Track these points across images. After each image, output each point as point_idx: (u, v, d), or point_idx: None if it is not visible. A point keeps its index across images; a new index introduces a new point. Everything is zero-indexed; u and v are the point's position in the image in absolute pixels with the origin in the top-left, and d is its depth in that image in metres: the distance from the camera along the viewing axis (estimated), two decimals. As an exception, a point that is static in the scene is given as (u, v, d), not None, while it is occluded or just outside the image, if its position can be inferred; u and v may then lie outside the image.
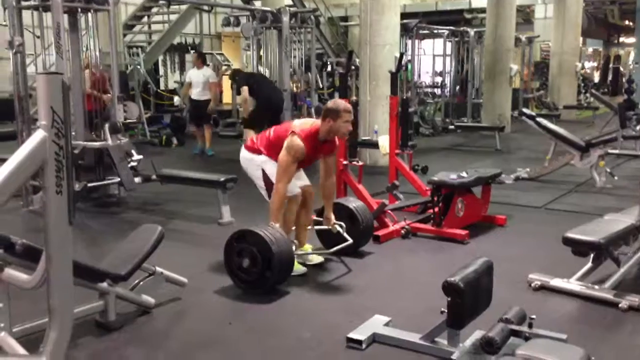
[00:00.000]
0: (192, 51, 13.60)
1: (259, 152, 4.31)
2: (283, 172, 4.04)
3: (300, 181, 4.38)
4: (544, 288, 3.91)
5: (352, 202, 4.76)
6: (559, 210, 6.14)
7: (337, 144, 4.42)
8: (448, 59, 13.78)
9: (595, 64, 22.43)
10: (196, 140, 10.03)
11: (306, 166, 4.41)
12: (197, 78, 9.79)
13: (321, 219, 4.51)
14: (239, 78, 8.85)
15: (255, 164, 4.32)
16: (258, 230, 3.82)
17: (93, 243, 5.14)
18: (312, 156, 4.23)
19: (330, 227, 4.41)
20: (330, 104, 4.22)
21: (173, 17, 13.00)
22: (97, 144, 6.14)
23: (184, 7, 12.57)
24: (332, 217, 4.42)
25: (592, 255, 3.96)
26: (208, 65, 10.70)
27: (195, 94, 9.75)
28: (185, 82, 10.45)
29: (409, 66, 12.00)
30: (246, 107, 8.75)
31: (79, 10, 6.00)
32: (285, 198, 4.10)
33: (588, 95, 17.28)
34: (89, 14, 6.15)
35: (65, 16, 5.82)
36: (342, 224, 4.46)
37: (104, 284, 3.28)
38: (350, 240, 4.40)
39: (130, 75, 11.27)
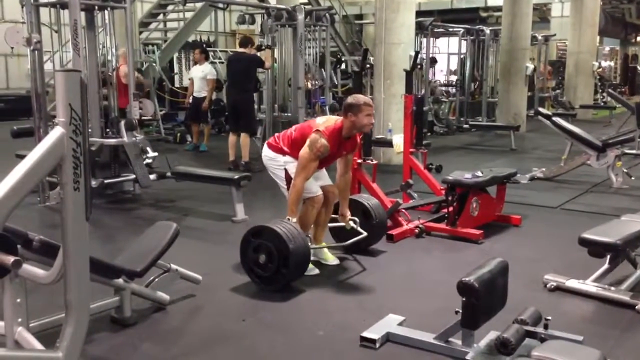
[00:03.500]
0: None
1: (282, 152, 4.26)
2: (302, 168, 4.02)
3: (322, 181, 4.35)
4: (559, 289, 3.88)
5: (366, 199, 4.75)
6: (575, 210, 6.10)
7: (358, 141, 4.40)
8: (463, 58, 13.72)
9: (612, 63, 22.20)
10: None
11: (328, 165, 4.37)
12: (196, 74, 9.87)
13: (335, 216, 4.51)
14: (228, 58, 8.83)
15: (278, 163, 4.28)
16: (275, 226, 3.82)
17: (108, 239, 5.18)
18: (335, 154, 4.20)
19: (344, 223, 4.40)
20: (350, 99, 4.18)
21: (188, 14, 13.03)
22: (113, 140, 6.19)
23: (199, 4, 12.59)
24: (348, 213, 4.41)
25: (608, 257, 3.92)
26: (214, 62, 10.73)
27: (195, 90, 9.85)
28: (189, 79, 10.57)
29: (424, 65, 11.96)
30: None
31: (96, 7, 6.04)
32: (302, 193, 4.06)
33: (605, 94, 17.13)
34: (106, 12, 6.19)
35: (83, 13, 5.86)
36: (356, 219, 4.45)
37: (120, 280, 3.31)
38: (365, 234, 4.38)
39: (145, 73, 11.33)
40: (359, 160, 5.49)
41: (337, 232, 4.62)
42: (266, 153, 4.39)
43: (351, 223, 4.41)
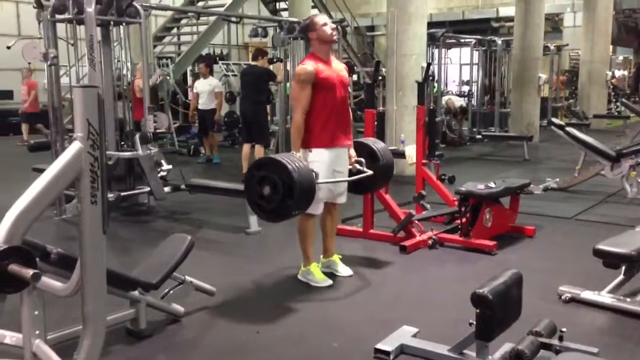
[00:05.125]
0: (219, 60, 13.79)
1: (305, 142, 4.10)
2: (296, 101, 4.08)
3: (334, 196, 4.27)
4: (574, 300, 3.86)
5: (372, 142, 4.72)
6: (590, 221, 6.06)
7: (346, 75, 4.36)
8: (475, 68, 13.73)
9: (625, 73, 22.08)
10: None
11: (342, 101, 4.19)
12: (203, 87, 9.95)
13: None
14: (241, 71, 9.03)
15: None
16: (279, 158, 3.79)
17: (123, 251, 5.22)
18: (329, 78, 4.09)
19: (350, 165, 4.33)
20: (302, 24, 4.40)
21: (202, 28, 13.18)
22: (128, 154, 6.26)
23: (212, 18, 12.73)
24: (353, 153, 4.36)
25: (623, 268, 3.89)
26: (227, 75, 10.80)
27: (201, 103, 9.93)
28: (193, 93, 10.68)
29: (436, 85, 11.99)
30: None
31: (112, 23, 6.13)
32: (302, 127, 4.03)
33: (619, 104, 17.03)
34: (121, 27, 6.28)
35: (98, 29, 5.95)
36: (362, 160, 4.38)
37: (136, 293, 3.34)
38: (370, 172, 4.32)
39: (159, 86, 11.44)
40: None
41: None
42: None
43: (357, 165, 4.33)
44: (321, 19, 4.22)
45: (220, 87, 10.01)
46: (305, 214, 4.08)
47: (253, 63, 8.60)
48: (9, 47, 8.88)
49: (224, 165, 9.79)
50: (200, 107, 10.00)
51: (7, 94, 14.88)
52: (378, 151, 4.56)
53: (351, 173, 4.32)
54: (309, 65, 4.06)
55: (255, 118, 8.32)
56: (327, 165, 4.10)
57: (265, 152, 8.50)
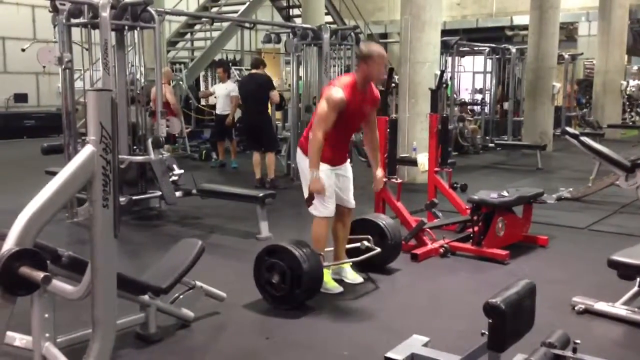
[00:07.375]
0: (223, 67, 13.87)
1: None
2: (321, 120, 3.98)
3: (344, 196, 4.31)
4: (588, 312, 3.81)
5: (382, 219, 4.74)
6: (604, 231, 6.00)
7: (378, 96, 4.34)
8: (488, 76, 13.69)
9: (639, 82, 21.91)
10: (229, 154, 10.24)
11: (356, 128, 4.27)
12: (220, 91, 9.97)
13: (350, 237, 4.49)
14: (240, 80, 8.92)
15: (308, 168, 4.11)
16: (289, 246, 3.82)
17: (134, 255, 5.22)
18: (356, 109, 4.09)
19: (379, 185, 4.49)
20: (364, 48, 4.14)
21: (215, 34, 13.24)
22: (140, 158, 6.27)
23: (225, 24, 12.80)
24: (381, 173, 4.46)
25: (638, 279, 3.85)
26: (240, 81, 10.82)
27: (218, 108, 9.93)
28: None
29: (449, 85, 11.94)
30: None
31: (126, 28, 6.16)
32: (322, 143, 3.97)
33: (633, 114, 16.91)
34: (135, 32, 6.31)
35: (113, 33, 5.98)
36: (369, 237, 4.47)
37: (146, 297, 3.33)
38: (378, 250, 4.39)
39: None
40: (384, 179, 5.48)
41: (352, 252, 4.58)
42: (298, 154, 4.32)
43: (365, 242, 4.44)
44: (381, 58, 4.05)
45: (235, 92, 9.98)
46: (321, 217, 4.14)
47: (253, 71, 8.58)
48: (23, 50, 8.95)
49: (237, 170, 9.80)
50: (217, 111, 10.03)
51: (22, 97, 15.02)
52: (387, 230, 4.61)
53: (360, 251, 4.43)
54: (342, 95, 3.97)
55: (264, 127, 8.32)
56: (329, 177, 4.15)
57: (277, 157, 8.51)
